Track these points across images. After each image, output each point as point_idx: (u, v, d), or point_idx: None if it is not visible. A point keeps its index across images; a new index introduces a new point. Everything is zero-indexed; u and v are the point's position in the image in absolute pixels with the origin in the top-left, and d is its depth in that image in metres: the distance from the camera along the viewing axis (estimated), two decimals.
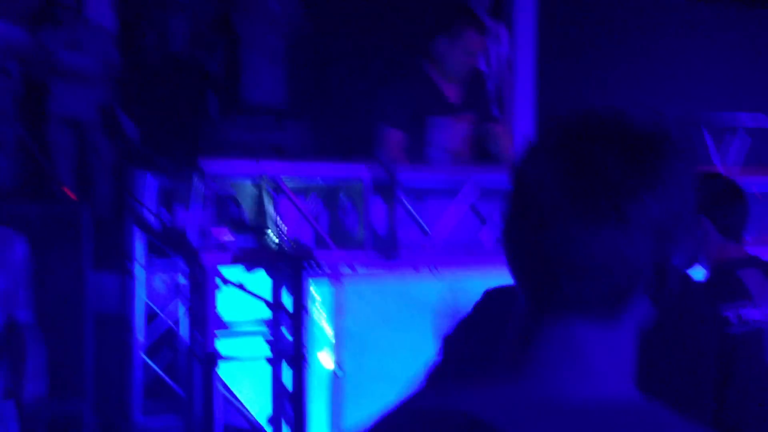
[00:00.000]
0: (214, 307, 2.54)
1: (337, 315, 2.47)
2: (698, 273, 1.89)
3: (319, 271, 2.47)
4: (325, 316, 2.56)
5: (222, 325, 2.63)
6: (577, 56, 8.43)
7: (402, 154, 3.01)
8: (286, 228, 2.61)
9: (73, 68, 5.35)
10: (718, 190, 1.93)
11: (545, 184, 0.67)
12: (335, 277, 2.47)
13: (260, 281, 2.71)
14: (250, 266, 2.55)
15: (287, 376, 2.59)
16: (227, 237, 2.53)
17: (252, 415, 2.77)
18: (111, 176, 4.84)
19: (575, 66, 8.45)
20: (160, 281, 3.52)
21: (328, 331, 2.54)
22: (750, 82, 8.78)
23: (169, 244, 2.94)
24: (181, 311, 3.45)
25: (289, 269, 2.43)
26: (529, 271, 0.67)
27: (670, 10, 9.05)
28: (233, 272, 2.65)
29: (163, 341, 3.53)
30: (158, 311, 3.49)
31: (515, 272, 0.68)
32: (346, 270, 2.55)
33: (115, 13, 6.54)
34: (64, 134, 5.30)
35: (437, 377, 1.09)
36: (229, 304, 2.74)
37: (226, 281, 2.59)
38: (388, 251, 2.56)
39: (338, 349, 2.45)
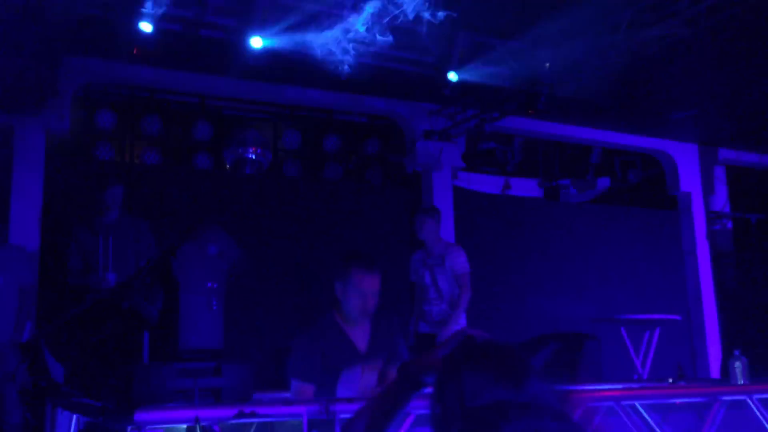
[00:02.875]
0: None
1: None
2: None
3: None
4: None
5: None
6: (494, 258, 8.85)
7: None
8: None
9: None
10: None
11: None
12: None
13: None
14: None
15: None
16: None
17: None
18: (23, 406, 4.60)
19: (493, 268, 8.86)
20: None
21: None
22: (664, 284, 9.39)
23: None
24: None
25: None
26: None
27: (583, 215, 9.79)
28: None
29: None
30: None
31: None
32: None
33: (41, 234, 6.60)
34: None
35: None
36: None
37: None
38: None
39: None
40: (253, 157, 8.48)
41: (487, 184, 10.23)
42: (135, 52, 5.66)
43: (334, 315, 3.29)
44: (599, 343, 7.65)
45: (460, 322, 6.05)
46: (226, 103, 8.59)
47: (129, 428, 2.33)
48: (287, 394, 3.08)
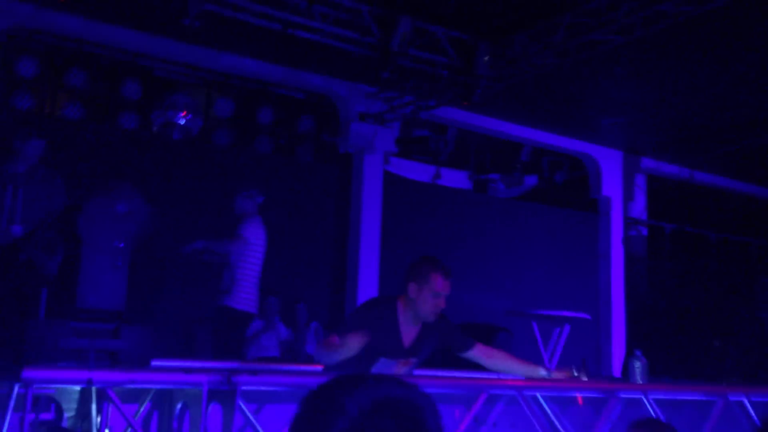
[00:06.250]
0: None
1: None
2: None
3: None
4: None
5: None
6: (417, 245, 8.91)
7: None
8: None
9: None
10: None
11: None
12: None
13: None
14: None
15: None
16: None
17: None
18: None
19: (415, 255, 8.89)
20: None
21: None
22: (579, 283, 9.65)
23: None
24: None
25: None
26: None
27: (509, 210, 9.97)
28: None
29: None
30: None
31: None
32: None
33: None
34: None
35: None
36: None
37: None
38: None
39: None
40: (183, 122, 8.25)
41: (418, 171, 10.27)
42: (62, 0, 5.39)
43: (397, 305, 3.47)
44: (511, 336, 7.82)
45: None
46: (158, 64, 8.32)
47: (17, 386, 2.22)
48: (191, 363, 3.01)
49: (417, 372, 3.56)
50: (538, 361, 8.00)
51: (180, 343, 5.96)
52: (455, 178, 10.40)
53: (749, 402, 4.00)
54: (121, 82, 8.10)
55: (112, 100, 8.10)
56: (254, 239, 6.21)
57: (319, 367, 3.80)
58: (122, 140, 7.77)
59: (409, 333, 3.50)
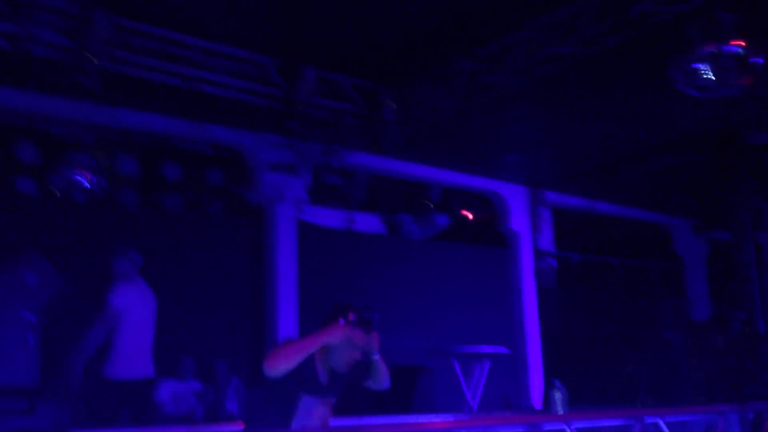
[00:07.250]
0: None
1: None
2: None
3: None
4: None
5: None
6: (335, 292, 8.90)
7: None
8: None
9: None
10: None
11: None
12: None
13: None
14: None
15: None
16: None
17: None
18: None
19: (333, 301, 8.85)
20: None
21: None
22: (497, 318, 9.85)
23: None
24: None
25: None
26: None
27: (422, 251, 10.11)
28: None
29: None
30: None
31: None
32: None
33: None
34: None
35: None
36: None
37: None
38: None
39: None
40: (86, 185, 7.96)
41: (331, 218, 10.29)
42: None
43: (320, 352, 3.36)
44: (432, 375, 7.86)
45: None
46: (55, 124, 8.05)
47: None
48: None
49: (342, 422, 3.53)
50: (461, 398, 8.09)
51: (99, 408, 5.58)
52: (369, 222, 10.48)
53: (664, 423, 4.17)
54: (16, 145, 7.79)
55: (7, 164, 7.76)
56: (124, 307, 5.30)
57: (239, 427, 3.72)
58: (21, 206, 7.45)
59: (324, 370, 3.44)
